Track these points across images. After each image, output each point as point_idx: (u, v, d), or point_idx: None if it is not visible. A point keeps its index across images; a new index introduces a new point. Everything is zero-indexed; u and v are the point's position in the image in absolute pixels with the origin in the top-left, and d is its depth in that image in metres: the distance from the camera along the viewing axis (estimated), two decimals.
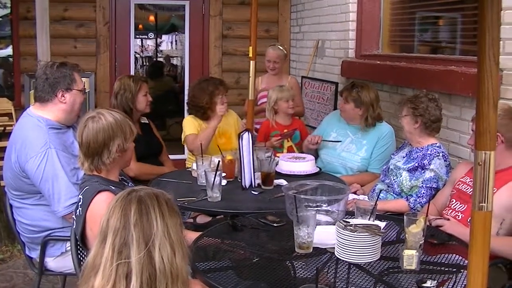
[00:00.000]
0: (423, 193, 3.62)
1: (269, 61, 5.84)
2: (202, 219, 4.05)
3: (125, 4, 7.33)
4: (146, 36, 10.56)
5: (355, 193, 4.08)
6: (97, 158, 2.80)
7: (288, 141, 5.04)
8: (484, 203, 1.50)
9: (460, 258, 2.64)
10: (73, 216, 2.84)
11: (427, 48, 5.14)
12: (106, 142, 2.78)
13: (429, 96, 3.77)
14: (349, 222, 2.58)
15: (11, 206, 3.53)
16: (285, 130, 5.01)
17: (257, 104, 5.71)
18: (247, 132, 3.79)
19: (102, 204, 2.59)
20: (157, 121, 8.83)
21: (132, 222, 1.81)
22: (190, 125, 4.77)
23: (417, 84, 4.38)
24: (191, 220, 4.10)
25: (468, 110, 3.94)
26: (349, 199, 3.58)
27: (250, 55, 4.67)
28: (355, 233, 2.50)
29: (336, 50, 6.10)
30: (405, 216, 2.70)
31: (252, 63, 4.65)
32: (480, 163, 1.48)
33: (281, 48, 5.86)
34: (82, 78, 6.64)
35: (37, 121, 3.38)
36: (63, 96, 3.43)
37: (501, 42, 3.58)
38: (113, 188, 2.76)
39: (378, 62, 5.27)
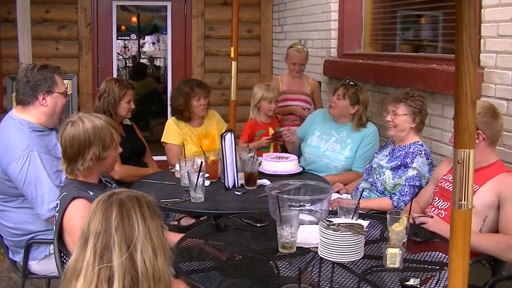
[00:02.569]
0: (406, 191, 3.63)
1: (294, 64, 5.63)
2: (186, 221, 4.04)
3: (107, 5, 7.28)
4: (128, 38, 10.53)
5: (338, 192, 4.09)
6: (73, 163, 2.77)
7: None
8: (464, 201, 1.51)
9: (444, 255, 2.65)
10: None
11: (409, 47, 5.16)
12: (81, 150, 2.73)
13: (422, 94, 3.79)
14: (332, 222, 2.59)
15: None
16: (274, 130, 5.00)
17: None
18: (229, 133, 3.79)
19: (77, 211, 2.60)
20: (141, 122, 8.86)
21: (113, 225, 1.79)
22: (170, 131, 4.81)
23: (399, 82, 4.40)
24: (175, 223, 4.09)
25: (450, 108, 3.97)
26: (332, 198, 3.60)
27: (232, 55, 4.67)
28: (338, 232, 2.51)
29: (319, 50, 6.11)
30: (388, 215, 2.71)
31: (234, 63, 4.67)
32: (460, 161, 1.49)
33: (304, 49, 5.71)
34: (65, 80, 6.63)
35: (19, 124, 3.36)
36: (44, 99, 3.40)
37: (482, 40, 3.62)
38: (90, 193, 2.73)
39: (360, 61, 5.29)
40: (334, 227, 2.53)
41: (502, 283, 3.29)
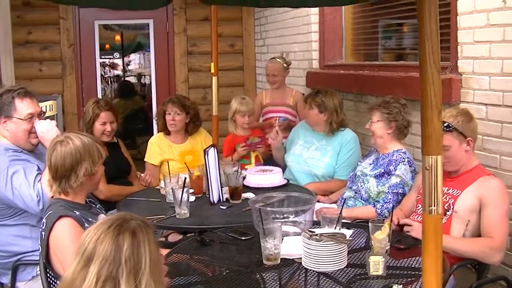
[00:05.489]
0: (390, 198, 3.66)
1: (268, 75, 5.71)
2: (173, 237, 4.03)
3: (89, 25, 7.32)
4: (112, 56, 10.54)
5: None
6: (65, 181, 2.80)
7: (253, 151, 5.05)
8: (434, 206, 1.52)
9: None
10: (38, 242, 2.83)
11: (390, 56, 5.21)
12: (74, 166, 2.78)
13: (400, 101, 3.83)
14: (314, 232, 2.60)
15: None
16: (251, 138, 5.01)
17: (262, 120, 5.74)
18: (212, 148, 3.81)
19: (64, 230, 2.62)
20: (127, 140, 8.85)
21: (124, 255, 1.76)
22: (149, 151, 4.88)
23: (381, 91, 4.43)
24: (163, 239, 4.08)
25: None
26: (317, 208, 3.62)
27: (212, 71, 4.69)
28: (320, 243, 2.52)
29: (301, 62, 6.15)
30: (370, 223, 2.74)
31: (214, 78, 4.69)
32: (428, 167, 1.51)
33: (279, 60, 5.71)
34: (49, 101, 6.65)
35: None
36: (5, 123, 3.42)
37: (458, 47, 3.67)
38: (77, 213, 2.75)
39: (342, 71, 5.33)
40: (317, 237, 2.55)
41: (487, 286, 3.31)
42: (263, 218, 2.80)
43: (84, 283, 1.74)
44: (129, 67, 11.49)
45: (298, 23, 6.14)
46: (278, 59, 5.70)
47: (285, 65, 5.67)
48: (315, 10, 5.77)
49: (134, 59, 11.51)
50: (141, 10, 6.25)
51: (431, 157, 1.52)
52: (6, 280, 3.46)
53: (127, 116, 9.37)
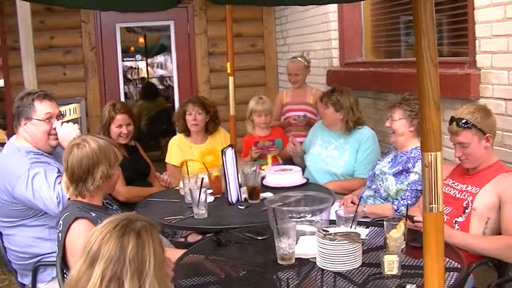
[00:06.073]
0: (408, 195, 3.62)
1: (289, 75, 5.70)
2: (193, 238, 4.05)
3: (111, 28, 7.39)
4: (133, 59, 10.62)
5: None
6: (82, 184, 2.82)
7: (268, 153, 5.05)
8: (435, 204, 1.51)
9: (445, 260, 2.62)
10: (56, 243, 2.86)
11: (409, 52, 5.15)
12: (90, 169, 2.80)
13: None
14: (328, 231, 2.59)
15: (1, 234, 3.56)
16: (262, 142, 5.01)
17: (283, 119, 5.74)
18: (230, 148, 3.81)
19: (79, 232, 2.63)
20: (152, 142, 8.91)
21: (129, 256, 1.77)
22: (170, 152, 4.91)
23: (399, 88, 4.39)
24: (183, 239, 4.10)
25: (449, 111, 3.92)
26: (336, 208, 3.59)
27: (229, 71, 4.69)
28: (334, 242, 2.51)
29: (321, 60, 6.13)
30: (385, 222, 2.71)
31: (231, 78, 4.68)
32: (427, 164, 1.49)
33: (300, 59, 5.68)
34: (72, 104, 6.72)
35: (17, 149, 3.45)
36: (26, 125, 3.48)
37: (476, 41, 3.62)
38: (93, 214, 2.78)
39: (362, 69, 5.30)
40: (331, 236, 2.53)
41: (509, 285, 3.25)
42: (280, 217, 2.80)
43: (89, 283, 1.76)
44: (153, 69, 11.55)
45: (317, 22, 6.11)
46: (299, 58, 5.68)
47: (306, 64, 5.65)
48: (334, 7, 5.75)
49: (158, 61, 11.58)
50: (148, 12, 6.29)
51: (431, 154, 1.50)
52: (27, 281, 3.53)
53: (151, 117, 9.45)
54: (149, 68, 11.39)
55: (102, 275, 1.75)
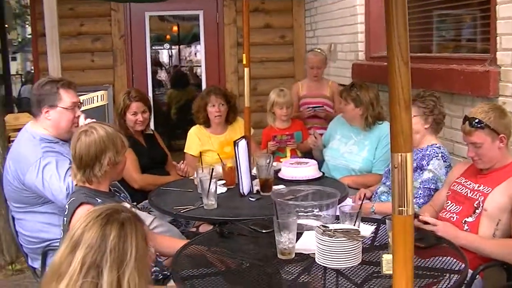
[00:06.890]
0: (420, 193, 3.54)
1: (312, 68, 5.63)
2: (204, 228, 4.05)
3: (140, 17, 7.42)
4: (164, 47, 10.66)
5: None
6: (89, 170, 2.87)
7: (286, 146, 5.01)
8: (404, 207, 1.45)
9: (451, 261, 2.56)
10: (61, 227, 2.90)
11: (438, 47, 5.04)
12: (98, 155, 2.84)
13: (434, 94, 3.71)
14: (328, 227, 2.55)
15: (13, 218, 3.63)
16: (279, 136, 4.98)
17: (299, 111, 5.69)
18: (243, 139, 3.79)
19: None
20: (179, 130, 8.94)
21: (109, 245, 1.78)
22: (189, 142, 4.93)
23: (425, 85, 4.29)
24: (194, 229, 4.10)
25: (470, 109, 3.84)
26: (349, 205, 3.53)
27: (244, 62, 4.67)
28: (333, 239, 2.46)
29: (347, 53, 6.06)
30: (387, 220, 2.65)
31: (246, 70, 4.66)
32: (396, 165, 1.45)
33: (320, 51, 5.69)
34: (100, 91, 6.78)
35: (31, 136, 3.47)
36: (47, 113, 3.49)
37: (497, 38, 3.53)
38: (99, 200, 2.81)
39: (386, 63, 5.19)
40: (330, 232, 2.49)
41: None
42: (283, 211, 2.77)
43: (70, 268, 1.77)
44: (184, 58, 11.58)
45: (345, 14, 6.03)
46: (319, 51, 5.63)
47: (325, 56, 5.60)
48: (361, 0, 5.66)
49: (190, 49, 11.60)
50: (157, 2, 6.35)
51: (400, 155, 1.46)
52: (37, 265, 3.59)
53: (181, 106, 9.46)
54: (181, 57, 11.41)
55: (82, 261, 1.76)
